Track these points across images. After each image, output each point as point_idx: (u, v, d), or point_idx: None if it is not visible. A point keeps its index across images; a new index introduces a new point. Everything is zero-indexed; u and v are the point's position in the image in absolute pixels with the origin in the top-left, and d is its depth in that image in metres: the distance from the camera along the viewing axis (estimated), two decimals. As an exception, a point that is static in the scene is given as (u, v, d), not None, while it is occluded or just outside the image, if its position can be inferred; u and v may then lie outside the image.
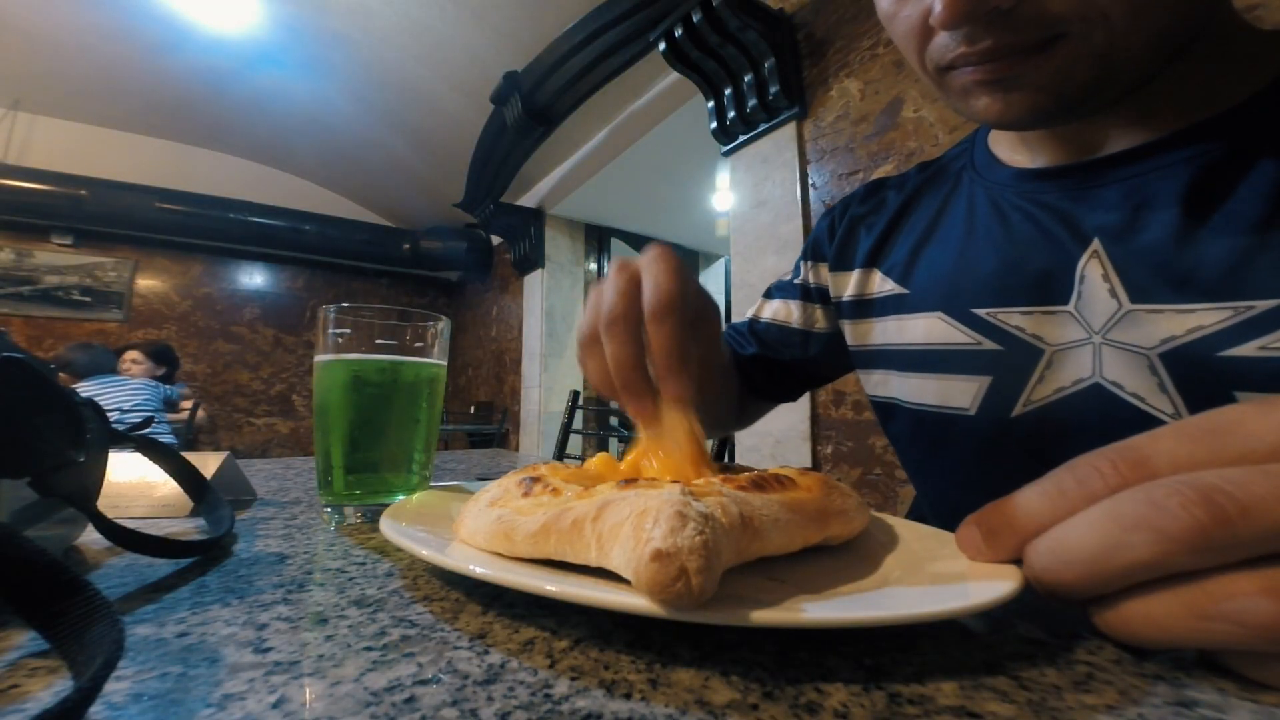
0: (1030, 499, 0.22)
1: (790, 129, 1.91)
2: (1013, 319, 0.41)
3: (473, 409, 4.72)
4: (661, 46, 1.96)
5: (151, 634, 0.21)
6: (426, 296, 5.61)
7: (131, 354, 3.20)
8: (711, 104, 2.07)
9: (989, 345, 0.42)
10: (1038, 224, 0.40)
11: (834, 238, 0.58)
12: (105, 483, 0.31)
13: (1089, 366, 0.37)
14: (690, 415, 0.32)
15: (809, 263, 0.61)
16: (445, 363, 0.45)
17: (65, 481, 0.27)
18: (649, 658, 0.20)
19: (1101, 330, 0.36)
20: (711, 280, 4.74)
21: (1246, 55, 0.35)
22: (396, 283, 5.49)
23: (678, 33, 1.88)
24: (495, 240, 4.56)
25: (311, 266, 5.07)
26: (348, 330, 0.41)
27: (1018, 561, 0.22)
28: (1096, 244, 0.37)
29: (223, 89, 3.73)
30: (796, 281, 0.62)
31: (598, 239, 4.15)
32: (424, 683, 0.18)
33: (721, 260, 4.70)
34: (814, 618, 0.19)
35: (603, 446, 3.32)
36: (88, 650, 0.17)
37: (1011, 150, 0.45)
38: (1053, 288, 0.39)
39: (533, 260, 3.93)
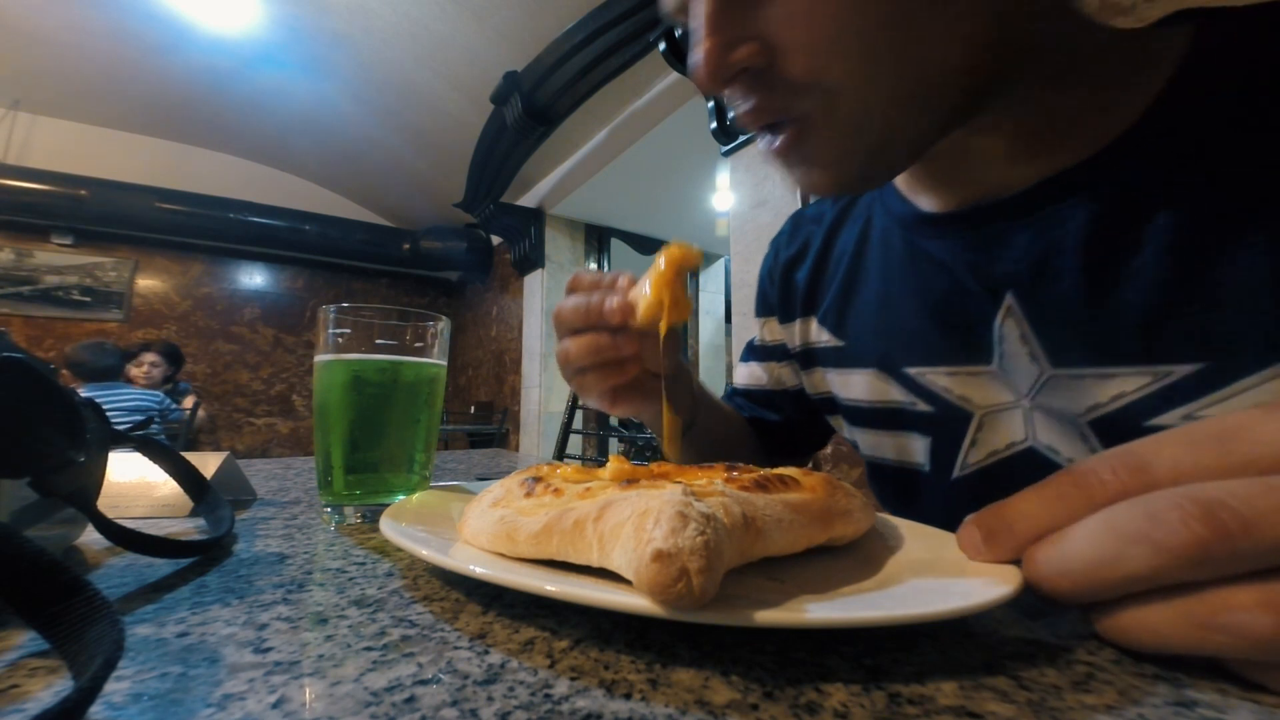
0: (1029, 503, 0.21)
1: (790, 129, 1.91)
2: (939, 380, 0.40)
3: (473, 409, 4.72)
4: (661, 46, 1.96)
5: (151, 634, 0.21)
6: (426, 296, 5.61)
7: (150, 356, 3.21)
8: (711, 104, 2.06)
9: (923, 406, 0.41)
10: (950, 274, 0.39)
11: (774, 285, 0.57)
12: (105, 483, 0.31)
13: (1021, 430, 0.36)
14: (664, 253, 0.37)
15: (761, 320, 0.60)
16: (445, 363, 0.45)
17: (65, 481, 0.27)
18: (649, 658, 0.20)
19: (1029, 394, 0.35)
20: (711, 280, 4.74)
21: (1122, 64, 0.33)
22: (396, 283, 5.49)
23: (678, 33, 1.88)
24: (495, 240, 4.56)
25: (311, 266, 5.07)
26: (348, 330, 0.41)
27: (1017, 562, 0.22)
28: (1010, 299, 0.35)
29: (223, 89, 3.73)
30: (755, 343, 0.62)
31: (598, 239, 4.15)
32: (424, 683, 0.18)
33: (721, 260, 4.70)
34: (814, 618, 0.19)
35: (603, 447, 3.32)
36: (88, 650, 0.17)
37: (911, 187, 0.43)
38: (974, 346, 0.38)
39: (533, 260, 3.93)
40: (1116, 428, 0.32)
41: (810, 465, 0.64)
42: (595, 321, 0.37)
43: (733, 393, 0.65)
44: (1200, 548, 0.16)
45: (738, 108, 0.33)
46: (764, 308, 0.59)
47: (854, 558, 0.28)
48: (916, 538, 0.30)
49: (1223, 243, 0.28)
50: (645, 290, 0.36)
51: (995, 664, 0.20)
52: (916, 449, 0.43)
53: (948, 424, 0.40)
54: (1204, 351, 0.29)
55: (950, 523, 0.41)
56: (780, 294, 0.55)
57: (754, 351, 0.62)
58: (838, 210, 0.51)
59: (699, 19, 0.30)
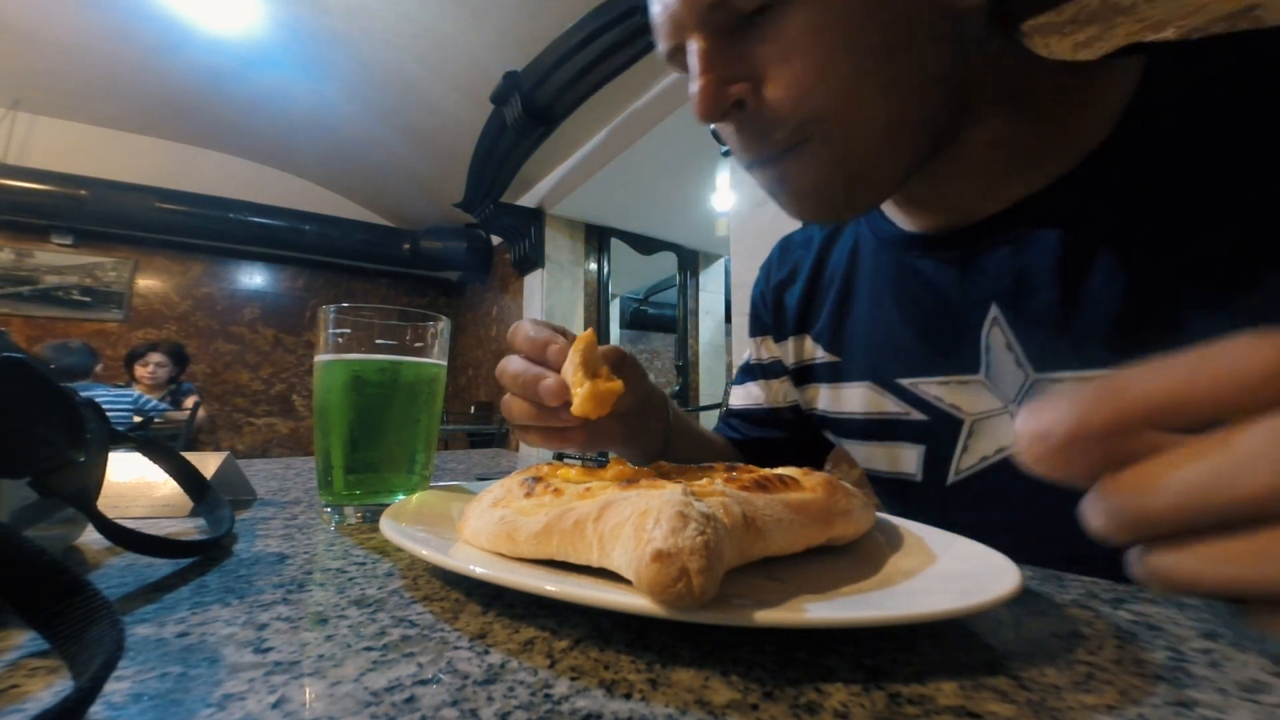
0: (1153, 372, 0.17)
1: (790, 129, 1.91)
2: (931, 389, 0.42)
3: (473, 409, 4.71)
4: (661, 46, 1.96)
5: (151, 634, 0.21)
6: (426, 296, 5.61)
7: (156, 356, 3.20)
8: (711, 104, 2.06)
9: (917, 415, 0.43)
10: (938, 290, 0.41)
11: (766, 306, 0.58)
12: (105, 483, 0.31)
13: (1010, 435, 0.38)
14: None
15: (756, 339, 0.61)
16: (445, 363, 0.45)
17: (65, 481, 0.27)
18: (649, 658, 0.20)
19: (1016, 399, 0.37)
20: (711, 280, 4.74)
21: (1077, 95, 0.36)
22: (396, 283, 5.49)
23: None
24: (495, 240, 4.56)
25: (311, 266, 5.07)
26: (348, 330, 0.41)
27: (1016, 564, 0.22)
28: (994, 310, 0.38)
29: (223, 89, 3.72)
30: (752, 363, 0.62)
31: (598, 239, 4.15)
32: (424, 683, 0.18)
33: (721, 260, 4.70)
34: (815, 618, 0.19)
35: (603, 446, 3.32)
36: (88, 650, 0.17)
37: (895, 211, 0.45)
38: (962, 356, 0.40)
39: (533, 260, 3.93)
40: None
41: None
42: (531, 397, 0.36)
43: (729, 416, 0.64)
44: None
45: (731, 141, 0.36)
46: (758, 327, 0.61)
47: (854, 558, 0.28)
48: (917, 538, 0.31)
49: (1175, 253, 0.31)
50: (569, 377, 0.35)
51: (995, 664, 0.20)
52: (909, 459, 0.44)
53: (940, 432, 0.42)
54: (1168, 353, 0.29)
55: (949, 525, 0.42)
56: (773, 314, 0.57)
57: (750, 371, 0.62)
58: (825, 235, 0.54)
59: (694, 59, 0.33)
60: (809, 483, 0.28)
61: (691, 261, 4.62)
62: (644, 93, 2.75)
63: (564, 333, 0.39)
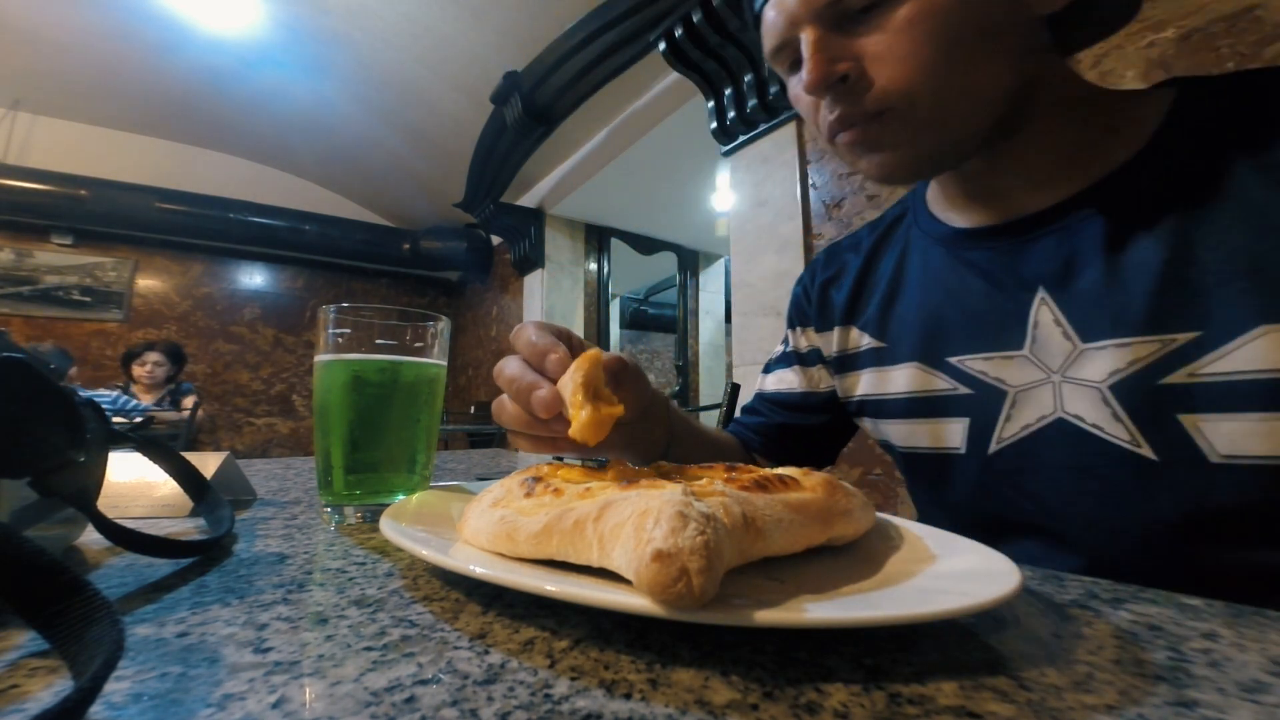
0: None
1: (790, 129, 1.91)
2: (976, 364, 0.46)
3: (473, 409, 4.71)
4: (661, 46, 1.96)
5: (151, 634, 0.21)
6: (426, 296, 5.61)
7: (153, 356, 3.20)
8: (711, 104, 2.07)
9: (963, 390, 0.47)
10: (987, 276, 0.46)
11: (810, 302, 0.63)
12: (105, 483, 0.31)
13: (1050, 404, 0.42)
14: (579, 359, 0.35)
15: (796, 329, 0.65)
16: (445, 363, 0.45)
17: (65, 481, 0.27)
18: (649, 658, 0.20)
19: (1060, 369, 0.41)
20: (711, 280, 4.74)
21: (1115, 113, 0.42)
22: (396, 283, 5.49)
23: (678, 33, 1.88)
24: (495, 240, 4.56)
25: (311, 266, 5.07)
26: (348, 330, 0.41)
27: (1018, 566, 0.22)
28: (1042, 292, 0.42)
29: (223, 89, 3.72)
30: (789, 350, 0.66)
31: (598, 239, 4.15)
32: (424, 683, 0.18)
33: (721, 260, 4.70)
34: (815, 618, 0.19)
35: (603, 446, 3.32)
36: (88, 650, 0.17)
37: (946, 211, 0.51)
38: (1008, 334, 0.44)
39: (533, 260, 3.93)
40: (1134, 389, 0.37)
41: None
42: (524, 406, 0.36)
43: (758, 399, 0.67)
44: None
45: (821, 116, 0.43)
46: (799, 319, 0.65)
47: (854, 558, 0.28)
48: (917, 538, 0.30)
49: (1208, 239, 0.36)
50: (567, 393, 0.33)
51: (995, 664, 0.20)
52: (954, 433, 0.47)
53: (985, 404, 0.45)
54: (1196, 321, 0.35)
55: (984, 497, 0.46)
56: (818, 308, 0.62)
57: (786, 358, 0.65)
58: (874, 240, 0.59)
59: (807, 46, 0.40)
60: (809, 483, 0.28)
61: (691, 261, 4.62)
62: (644, 93, 2.75)
63: (569, 337, 0.39)
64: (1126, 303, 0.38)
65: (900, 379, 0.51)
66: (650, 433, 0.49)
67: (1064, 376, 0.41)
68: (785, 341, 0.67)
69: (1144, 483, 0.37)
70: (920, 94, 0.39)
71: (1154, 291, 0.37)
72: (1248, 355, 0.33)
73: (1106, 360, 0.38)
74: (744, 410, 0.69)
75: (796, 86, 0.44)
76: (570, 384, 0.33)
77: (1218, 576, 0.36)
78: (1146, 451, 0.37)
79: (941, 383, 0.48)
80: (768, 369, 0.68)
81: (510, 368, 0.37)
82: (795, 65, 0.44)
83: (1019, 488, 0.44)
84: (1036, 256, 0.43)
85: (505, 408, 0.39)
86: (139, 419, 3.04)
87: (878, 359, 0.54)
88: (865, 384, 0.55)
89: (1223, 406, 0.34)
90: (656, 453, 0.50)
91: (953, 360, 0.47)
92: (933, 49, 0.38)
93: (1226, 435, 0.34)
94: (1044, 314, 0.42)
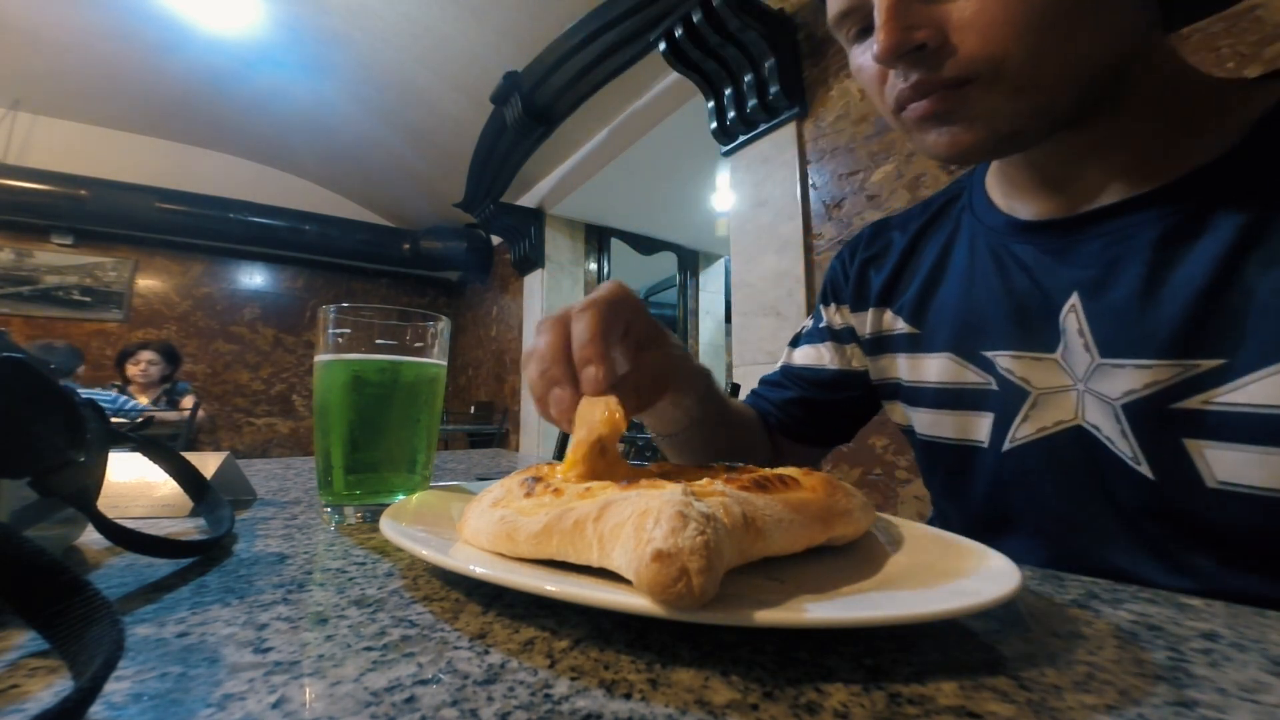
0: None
1: (790, 129, 1.91)
2: (1005, 361, 0.45)
3: (473, 409, 4.71)
4: (661, 46, 1.96)
5: (151, 634, 0.21)
6: (426, 296, 5.61)
7: (147, 355, 3.20)
8: (711, 104, 2.06)
9: (993, 385, 0.46)
10: (1030, 274, 0.44)
11: (848, 280, 0.61)
12: (105, 483, 0.31)
13: (1073, 410, 0.41)
14: (609, 400, 0.32)
15: (830, 306, 0.63)
16: (445, 363, 0.45)
17: (65, 481, 0.27)
18: (649, 658, 0.20)
19: (1083, 379, 0.40)
20: (711, 280, 4.74)
21: (1211, 106, 0.38)
22: (396, 283, 5.49)
23: (678, 33, 1.88)
24: (495, 240, 4.55)
25: (311, 266, 5.07)
26: (348, 330, 0.41)
27: (1019, 564, 0.22)
28: (1075, 298, 0.40)
29: (223, 89, 3.72)
30: (822, 326, 0.64)
31: (598, 239, 4.15)
32: (424, 683, 0.18)
33: (721, 260, 4.69)
34: (815, 618, 0.19)
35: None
36: (88, 650, 0.17)
37: (1005, 198, 0.48)
38: (1042, 335, 0.42)
39: (533, 260, 3.93)
40: (1145, 410, 0.37)
41: (811, 464, 0.65)
42: (541, 394, 0.36)
43: (786, 372, 0.65)
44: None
45: (903, 81, 0.38)
46: (834, 295, 0.63)
47: (854, 558, 0.28)
48: (916, 538, 0.30)
49: (1259, 265, 0.33)
50: (581, 425, 0.32)
51: (995, 664, 0.20)
52: (980, 426, 0.47)
53: (1007, 401, 0.44)
54: (1225, 349, 0.34)
55: (996, 492, 0.46)
56: (854, 287, 0.60)
57: (820, 334, 0.64)
58: (924, 221, 0.56)
59: (881, 11, 0.36)
60: (809, 483, 0.28)
61: (691, 261, 4.62)
62: (644, 93, 2.74)
63: (632, 319, 0.38)
64: (1156, 323, 0.36)
65: (933, 368, 0.50)
66: (702, 435, 0.51)
67: (1086, 387, 0.40)
68: (818, 316, 0.65)
69: (1144, 499, 0.37)
70: (1010, 63, 0.34)
71: (1188, 316, 0.35)
72: (1266, 389, 0.32)
73: (1123, 379, 0.37)
74: (765, 382, 0.67)
75: (862, 55, 0.41)
76: (585, 429, 0.31)
77: (1214, 595, 0.36)
78: (1145, 470, 0.37)
79: (974, 376, 0.47)
80: (796, 343, 0.66)
81: (548, 347, 0.35)
82: (863, 33, 0.40)
83: (1028, 488, 0.43)
84: (1080, 258, 0.41)
85: (530, 369, 0.37)
86: (139, 419, 3.05)
87: (911, 345, 0.53)
88: (901, 368, 0.54)
89: (1229, 436, 0.33)
90: (674, 429, 0.51)
91: (987, 354, 0.46)
92: (1028, 14, 0.33)
93: (1228, 463, 0.33)
94: (1070, 321, 0.40)
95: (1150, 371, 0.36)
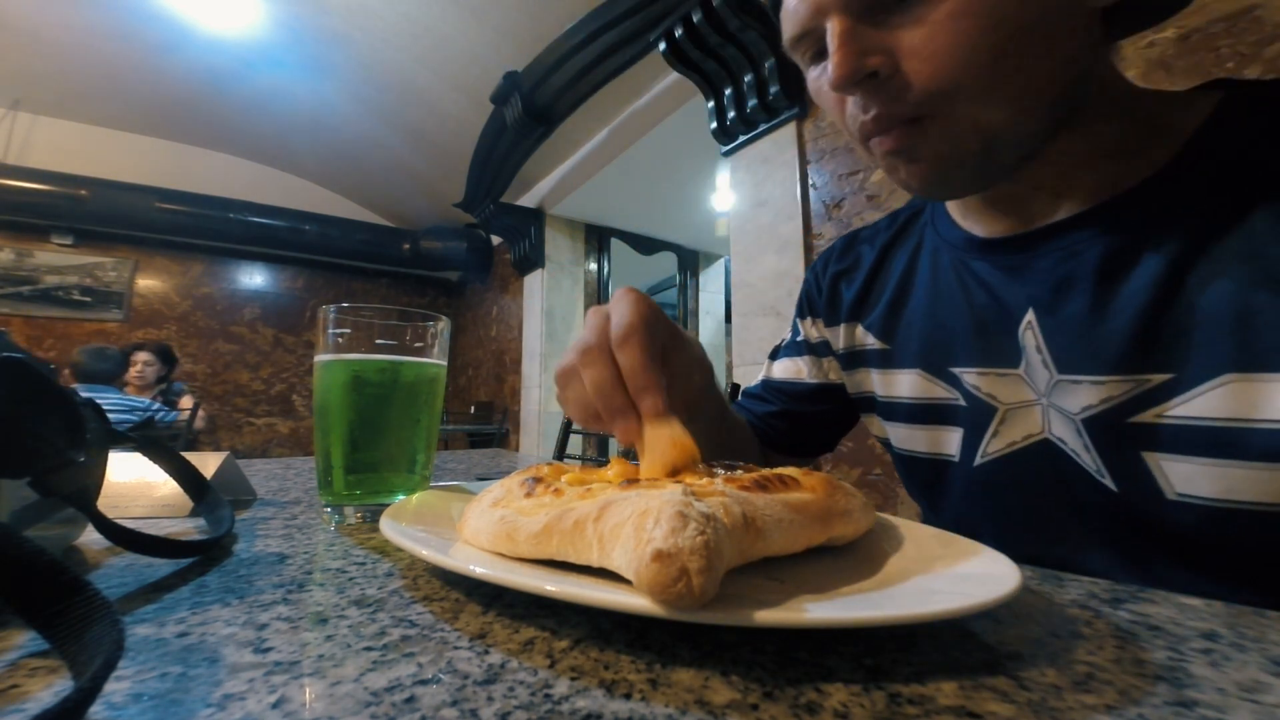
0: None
1: (790, 129, 1.91)
2: (971, 378, 0.45)
3: (473, 409, 4.71)
4: (661, 46, 1.96)
5: (151, 634, 0.21)
6: (426, 296, 5.61)
7: (143, 356, 3.20)
8: (711, 104, 2.07)
9: (961, 401, 0.46)
10: (989, 290, 0.45)
11: (821, 293, 0.61)
12: (105, 483, 0.31)
13: (1039, 424, 0.41)
14: (673, 426, 0.33)
15: (806, 319, 0.64)
16: (445, 363, 0.45)
17: (65, 481, 0.27)
18: (649, 658, 0.20)
19: (1045, 394, 0.41)
20: (711, 280, 4.74)
21: (1152, 119, 0.38)
22: (396, 283, 5.49)
23: (678, 33, 1.88)
24: (495, 240, 4.55)
25: (311, 266, 5.06)
26: (348, 330, 0.41)
27: (1020, 564, 0.22)
28: (1031, 315, 0.41)
29: (223, 89, 3.72)
30: (799, 339, 0.64)
31: (598, 239, 4.15)
32: (424, 683, 0.18)
33: (721, 260, 4.69)
34: (815, 618, 0.19)
35: (603, 447, 3.32)
36: (88, 650, 0.17)
37: (962, 216, 0.49)
38: (1005, 351, 0.43)
39: (533, 260, 3.93)
40: (1103, 424, 0.37)
41: (811, 465, 0.65)
42: (603, 421, 0.36)
43: (765, 385, 0.66)
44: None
45: (851, 116, 0.39)
46: (809, 309, 0.63)
47: (854, 558, 0.28)
48: (916, 538, 0.31)
49: (1201, 280, 0.34)
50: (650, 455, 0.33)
51: (995, 664, 0.20)
52: (951, 440, 0.47)
53: (976, 417, 0.45)
54: (1172, 364, 0.35)
55: (969, 504, 0.46)
56: (827, 301, 0.60)
57: (797, 347, 0.64)
58: (891, 234, 0.57)
59: (833, 37, 0.36)
60: (809, 483, 0.28)
61: (691, 261, 4.62)
62: (644, 93, 2.74)
63: (668, 338, 0.37)
64: (1107, 339, 0.37)
65: (904, 383, 0.51)
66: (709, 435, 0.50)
67: (1049, 401, 0.40)
68: (795, 329, 0.65)
69: (1111, 510, 0.38)
70: (962, 95, 0.34)
71: (1135, 332, 0.36)
72: (1210, 401, 0.33)
73: (1081, 395, 0.38)
74: (748, 395, 0.67)
75: (818, 80, 0.41)
76: (656, 455, 0.32)
77: None
78: (1108, 482, 0.37)
79: (943, 391, 0.48)
80: (775, 355, 0.67)
81: (604, 382, 0.34)
82: (817, 56, 0.40)
83: (1000, 502, 0.44)
84: (1034, 275, 0.41)
85: (574, 389, 0.36)
86: (160, 424, 3.06)
87: (882, 361, 0.53)
88: (875, 383, 0.55)
89: (1181, 448, 0.34)
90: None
91: (954, 370, 0.47)
92: (978, 46, 0.33)
93: (1183, 475, 0.34)
94: (1029, 338, 0.41)
95: (1104, 387, 0.37)
